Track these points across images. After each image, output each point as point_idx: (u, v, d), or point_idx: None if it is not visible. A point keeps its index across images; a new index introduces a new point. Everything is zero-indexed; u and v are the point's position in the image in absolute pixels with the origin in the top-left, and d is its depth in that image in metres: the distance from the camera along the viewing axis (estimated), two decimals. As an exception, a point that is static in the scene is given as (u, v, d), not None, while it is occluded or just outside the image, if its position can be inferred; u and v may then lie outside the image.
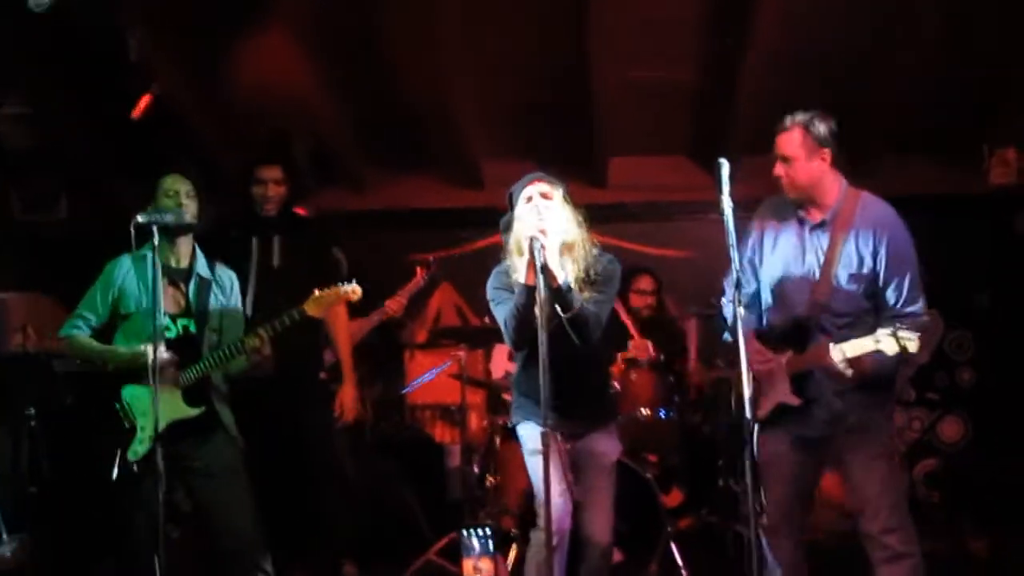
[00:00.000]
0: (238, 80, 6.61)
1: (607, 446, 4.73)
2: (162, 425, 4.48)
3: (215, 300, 4.79)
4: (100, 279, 4.72)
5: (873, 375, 4.29)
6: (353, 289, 4.71)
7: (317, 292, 4.70)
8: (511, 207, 4.51)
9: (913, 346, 3.98)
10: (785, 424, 4.49)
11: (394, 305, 6.15)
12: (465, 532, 3.54)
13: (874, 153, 7.16)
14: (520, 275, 4.31)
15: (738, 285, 3.98)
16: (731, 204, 4.04)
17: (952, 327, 7.53)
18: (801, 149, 4.39)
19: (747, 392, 3.90)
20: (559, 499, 4.39)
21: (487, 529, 3.37)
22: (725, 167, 4.06)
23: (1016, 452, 6.76)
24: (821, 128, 4.39)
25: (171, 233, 4.65)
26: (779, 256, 4.59)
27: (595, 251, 4.52)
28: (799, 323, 4.46)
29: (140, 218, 4.28)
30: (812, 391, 4.42)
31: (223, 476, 4.68)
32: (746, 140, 6.94)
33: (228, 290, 4.86)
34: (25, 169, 7.40)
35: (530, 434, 4.54)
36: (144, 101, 6.39)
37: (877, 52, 6.49)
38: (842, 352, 4.18)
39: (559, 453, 4.51)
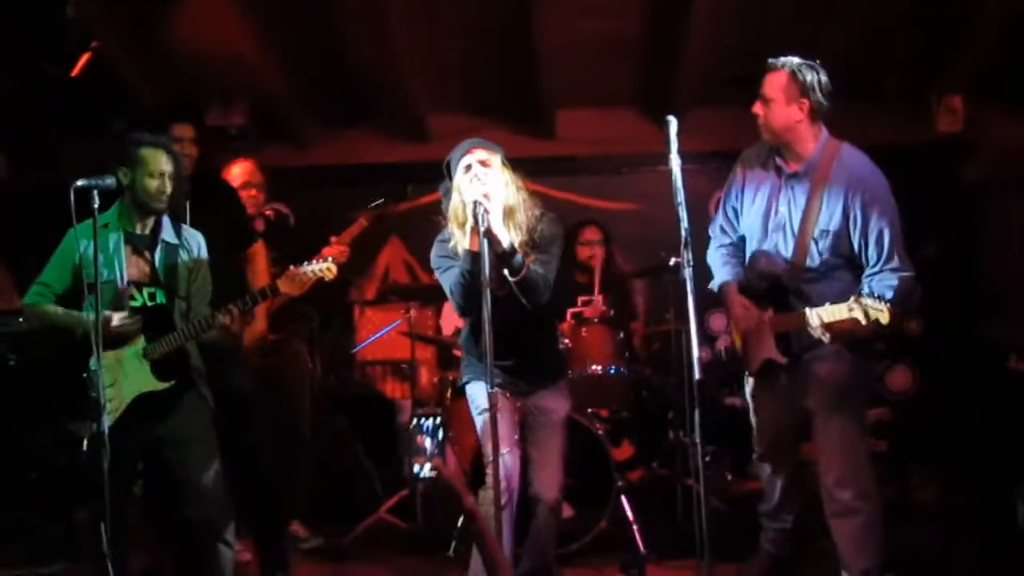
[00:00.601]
0: (178, 37, 6.49)
1: (556, 403, 4.76)
2: (130, 397, 4.47)
3: (183, 266, 4.65)
4: (60, 247, 4.54)
5: (849, 337, 4.29)
6: (329, 267, 4.63)
7: (292, 268, 4.63)
8: (449, 176, 4.46)
9: (884, 318, 3.98)
10: (769, 375, 4.62)
11: (333, 252, 5.97)
12: (413, 423, 3.38)
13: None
14: (464, 242, 4.28)
15: (686, 244, 3.95)
16: (679, 162, 4.01)
17: (899, 277, 7.52)
18: (782, 92, 4.40)
19: (695, 352, 3.90)
20: (507, 457, 4.42)
21: (435, 420, 3.22)
22: (673, 124, 4.03)
23: (962, 401, 6.82)
24: (807, 77, 4.39)
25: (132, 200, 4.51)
26: (756, 207, 4.64)
27: (537, 212, 4.50)
28: (777, 279, 4.51)
29: (80, 182, 4.12)
30: (794, 346, 4.48)
31: (193, 442, 4.59)
32: (694, 92, 6.94)
33: (195, 254, 4.71)
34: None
35: (478, 393, 4.59)
36: (83, 59, 6.24)
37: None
38: (819, 317, 4.21)
39: (508, 411, 4.56)
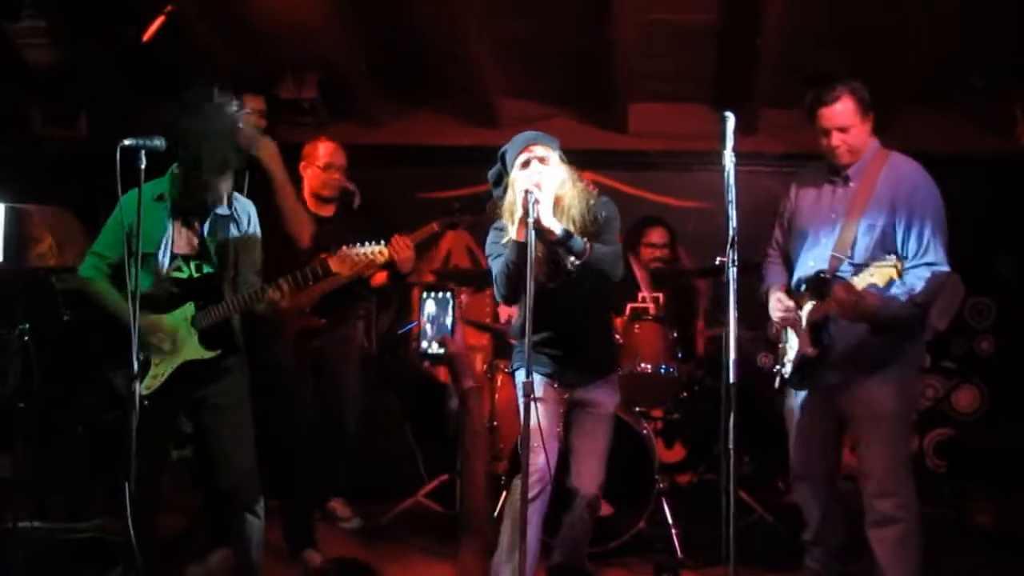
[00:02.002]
0: (253, 8, 6.52)
1: (605, 397, 4.74)
2: (176, 364, 4.53)
3: (232, 237, 4.65)
4: (114, 215, 4.53)
5: (882, 319, 4.44)
6: (380, 251, 4.69)
7: (344, 249, 4.68)
8: (504, 168, 4.43)
9: (895, 272, 4.13)
10: (804, 376, 4.74)
11: (398, 245, 5.86)
12: (424, 294, 3.24)
13: (893, 105, 6.94)
14: (512, 233, 4.26)
15: (732, 244, 3.91)
16: (733, 159, 4.01)
17: (973, 293, 7.34)
18: (856, 116, 4.59)
19: (732, 355, 3.84)
20: (544, 449, 4.36)
21: (448, 294, 3.10)
22: (730, 120, 4.08)
23: (1024, 423, 6.65)
24: (865, 93, 4.61)
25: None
26: (806, 212, 4.83)
27: (592, 201, 4.46)
28: (821, 275, 4.62)
29: (127, 141, 4.01)
30: (827, 339, 4.61)
31: (226, 411, 4.64)
32: (770, 91, 6.82)
33: (246, 224, 4.72)
34: (45, 85, 7.35)
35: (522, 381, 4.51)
36: (155, 24, 6.28)
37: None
38: (842, 289, 4.35)
39: (552, 402, 4.56)
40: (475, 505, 2.67)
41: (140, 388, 4.22)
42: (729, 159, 3.99)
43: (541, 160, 4.30)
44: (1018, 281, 7.26)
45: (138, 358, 4.10)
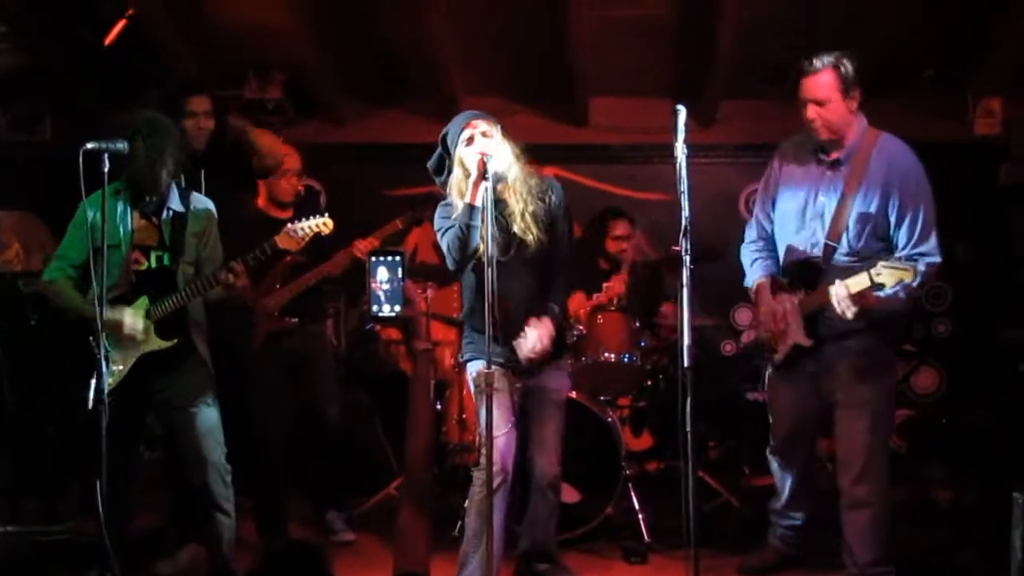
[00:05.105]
0: (217, 9, 6.56)
1: (558, 383, 4.82)
2: (135, 357, 4.58)
3: (190, 232, 4.72)
4: (76, 217, 4.61)
5: (880, 313, 4.41)
6: (325, 222, 4.80)
7: (289, 225, 4.78)
8: (445, 149, 4.49)
9: (909, 276, 4.08)
10: (795, 363, 4.72)
11: (364, 245, 5.69)
12: (372, 259, 3.16)
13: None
14: (465, 198, 4.32)
15: (685, 233, 3.97)
16: (685, 151, 4.05)
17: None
18: (835, 91, 4.48)
19: (686, 341, 3.90)
20: (503, 438, 4.44)
21: (397, 257, 3.04)
22: (682, 113, 4.07)
23: (987, 404, 6.76)
24: (851, 68, 4.49)
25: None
26: (795, 199, 4.72)
27: (536, 181, 4.55)
28: (812, 262, 4.60)
29: (90, 145, 4.09)
30: (822, 331, 4.59)
31: (195, 408, 4.68)
32: (727, 84, 6.90)
33: (204, 221, 4.78)
34: (10, 89, 7.36)
35: (478, 371, 4.57)
36: (118, 27, 6.30)
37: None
38: (845, 288, 4.28)
39: (507, 390, 4.60)
40: (416, 467, 2.69)
41: (104, 385, 4.29)
42: (681, 151, 4.03)
43: (485, 135, 4.37)
44: (972, 266, 7.38)
45: (104, 356, 4.16)
